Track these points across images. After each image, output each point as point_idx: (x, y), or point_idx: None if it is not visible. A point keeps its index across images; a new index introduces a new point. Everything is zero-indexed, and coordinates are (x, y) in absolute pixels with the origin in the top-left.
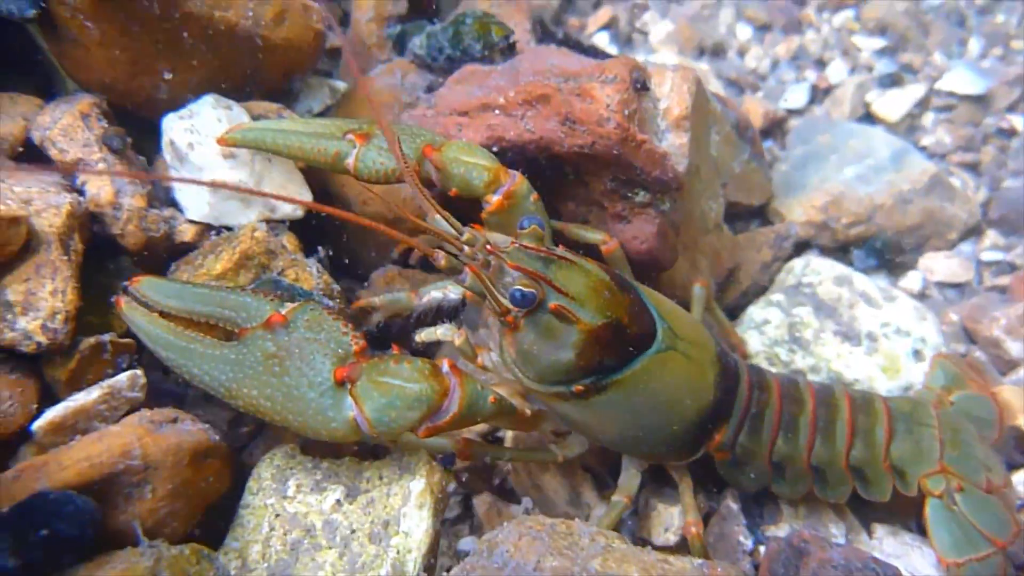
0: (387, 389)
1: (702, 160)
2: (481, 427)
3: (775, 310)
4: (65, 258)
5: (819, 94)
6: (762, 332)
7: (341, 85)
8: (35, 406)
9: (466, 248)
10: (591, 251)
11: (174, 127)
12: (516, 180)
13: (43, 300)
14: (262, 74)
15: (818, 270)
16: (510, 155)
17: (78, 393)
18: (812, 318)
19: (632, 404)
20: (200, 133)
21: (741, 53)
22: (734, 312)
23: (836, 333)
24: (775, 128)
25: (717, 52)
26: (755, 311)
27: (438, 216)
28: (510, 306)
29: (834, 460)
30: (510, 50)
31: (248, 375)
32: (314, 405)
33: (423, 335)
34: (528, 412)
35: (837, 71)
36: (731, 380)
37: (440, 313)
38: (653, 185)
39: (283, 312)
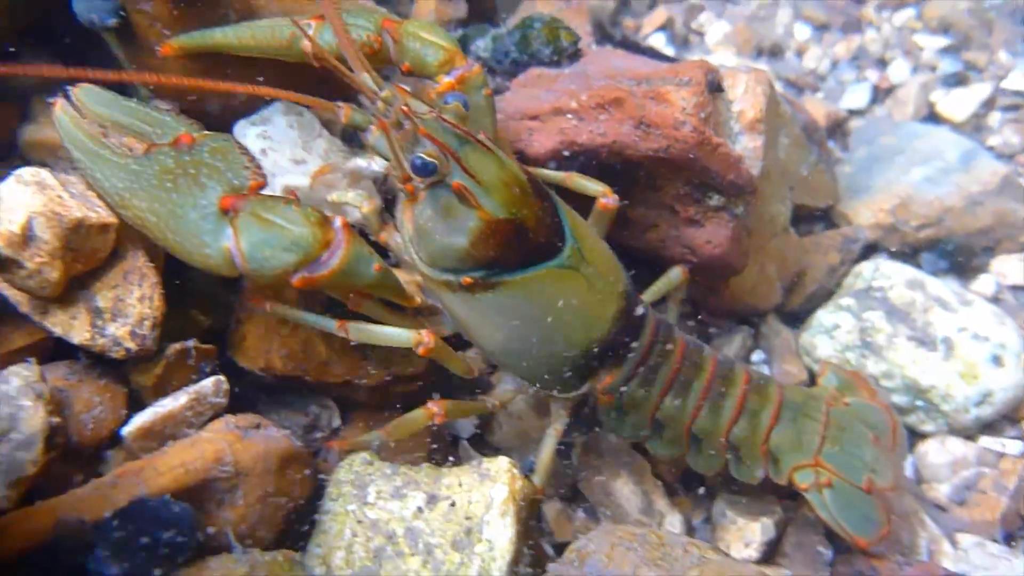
0: (268, 225)
1: (772, 163)
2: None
3: (845, 315)
4: (151, 264)
5: (881, 94)
6: (832, 337)
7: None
8: (124, 411)
9: (380, 103)
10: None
11: (246, 133)
12: (472, 68)
13: (131, 306)
14: (330, 80)
15: (888, 274)
16: (582, 158)
17: (165, 399)
18: (884, 323)
19: (519, 311)
20: (272, 139)
21: (799, 53)
22: (800, 316)
23: (910, 338)
24: (836, 129)
25: (775, 53)
26: (824, 315)
27: (364, 76)
28: (411, 173)
29: (714, 431)
30: (576, 55)
31: (142, 186)
32: (193, 227)
33: (334, 196)
34: (418, 300)
35: (899, 71)
36: (633, 323)
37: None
38: (727, 189)
39: (194, 135)
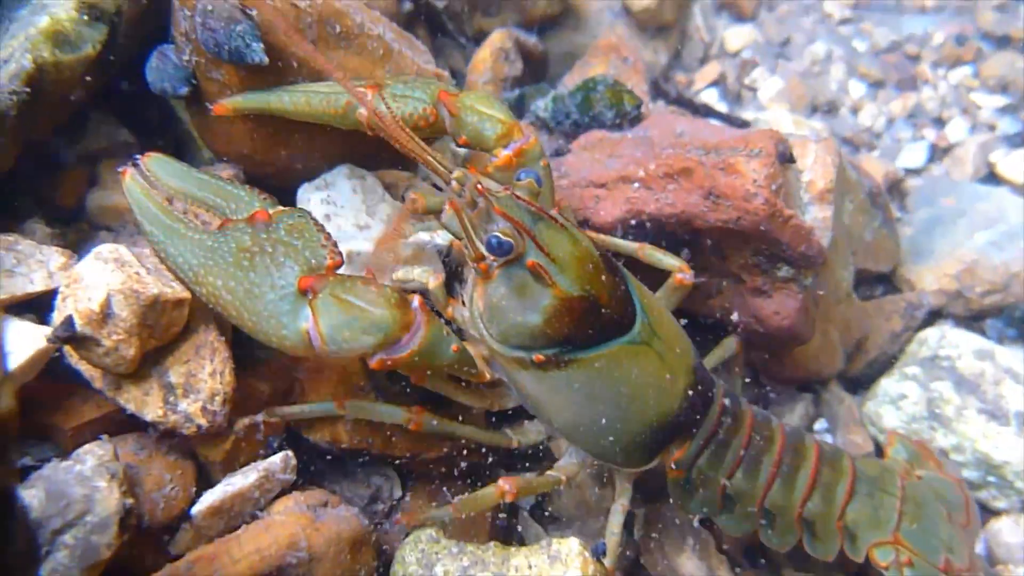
0: (348, 307)
1: (838, 230)
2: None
3: (912, 384)
4: (223, 338)
5: (938, 153)
6: (899, 407)
7: (462, 150)
8: (193, 488)
9: (454, 183)
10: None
11: (310, 198)
12: (530, 140)
13: (203, 382)
14: (391, 144)
15: (956, 343)
16: (649, 227)
17: (235, 476)
18: (953, 394)
19: (592, 389)
20: (336, 204)
21: (855, 111)
22: (862, 382)
23: (981, 411)
24: (894, 188)
25: (830, 110)
26: (890, 384)
27: (430, 157)
28: (486, 252)
29: (788, 507)
30: (638, 118)
31: (217, 263)
32: (271, 307)
33: (400, 273)
34: (488, 376)
35: (957, 130)
36: (703, 397)
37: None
38: (798, 260)
39: (270, 211)
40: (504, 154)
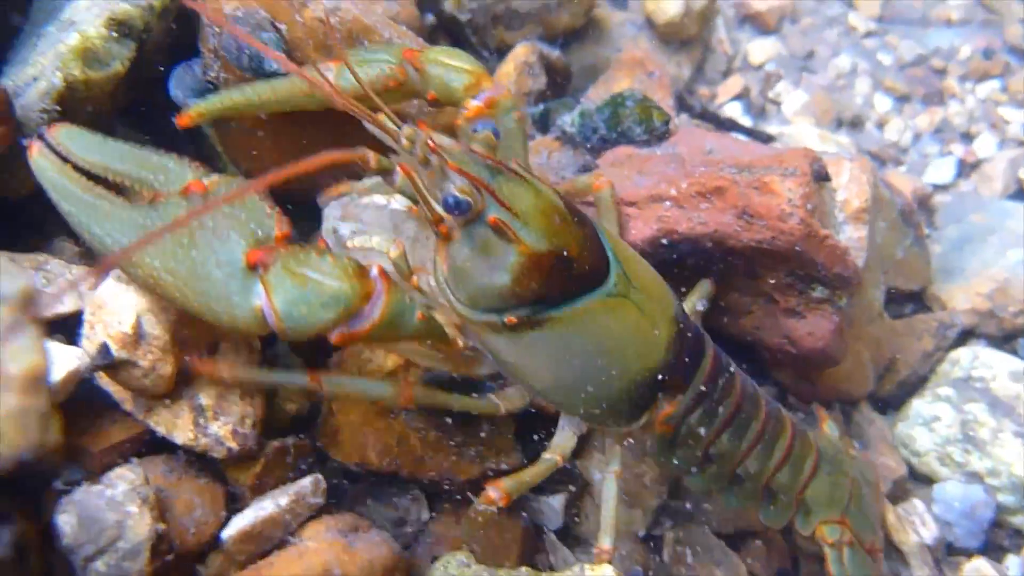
0: (302, 281)
1: (872, 250)
2: None
3: (944, 406)
4: (252, 358)
5: (966, 168)
6: (932, 429)
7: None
8: (223, 513)
9: (404, 141)
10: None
11: (337, 215)
12: (502, 91)
13: (233, 404)
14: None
15: (989, 363)
16: (682, 247)
17: (265, 500)
18: (988, 416)
19: (569, 347)
20: (363, 221)
21: (880, 125)
22: (891, 402)
23: (1017, 434)
24: (921, 205)
25: (855, 124)
26: (922, 405)
27: (378, 117)
28: (443, 213)
29: (759, 475)
30: (666, 134)
31: (153, 242)
32: (219, 287)
33: (357, 240)
34: (461, 344)
35: (985, 145)
36: (691, 348)
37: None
38: (833, 281)
39: (204, 181)
40: (474, 104)
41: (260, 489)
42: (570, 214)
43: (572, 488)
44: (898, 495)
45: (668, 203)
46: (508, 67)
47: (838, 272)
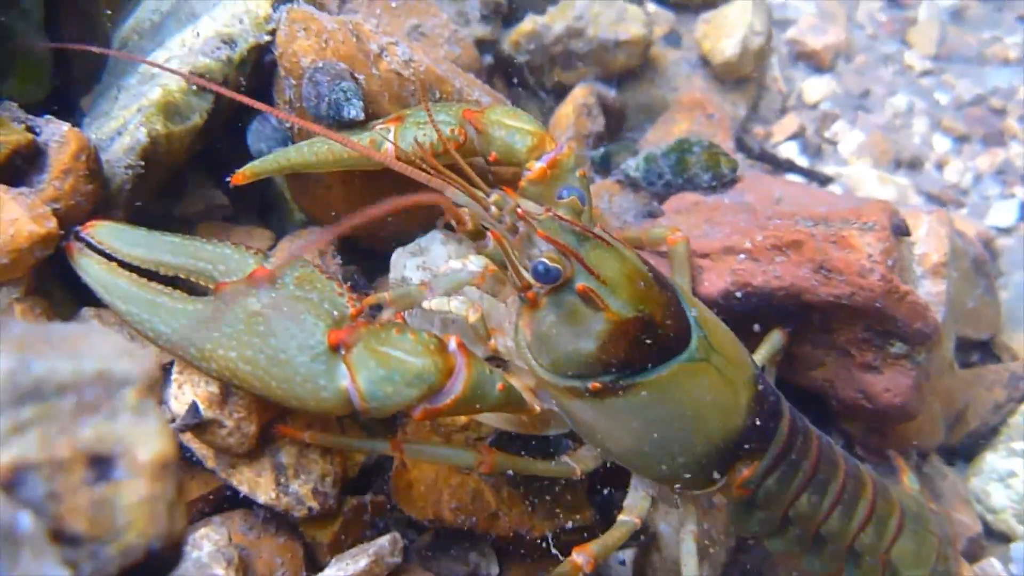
0: (386, 360)
1: (949, 303)
2: None
3: (1020, 461)
4: (331, 419)
5: None
6: (1008, 485)
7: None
8: (303, 573)
9: (493, 209)
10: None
11: (405, 263)
12: (563, 151)
13: (314, 462)
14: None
15: None
16: (755, 300)
17: (345, 560)
18: None
19: (652, 413)
20: (432, 270)
21: (940, 166)
22: (960, 453)
23: None
24: (984, 248)
25: (914, 165)
26: (996, 460)
27: (462, 183)
28: (532, 280)
29: (842, 536)
30: (733, 181)
31: (226, 335)
32: (303, 371)
33: (434, 303)
34: (537, 408)
35: None
36: (768, 412)
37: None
38: (913, 337)
39: (269, 267)
40: (538, 167)
41: (338, 547)
42: (654, 280)
43: (641, 539)
44: (974, 553)
45: (742, 255)
46: (567, 109)
47: (918, 328)
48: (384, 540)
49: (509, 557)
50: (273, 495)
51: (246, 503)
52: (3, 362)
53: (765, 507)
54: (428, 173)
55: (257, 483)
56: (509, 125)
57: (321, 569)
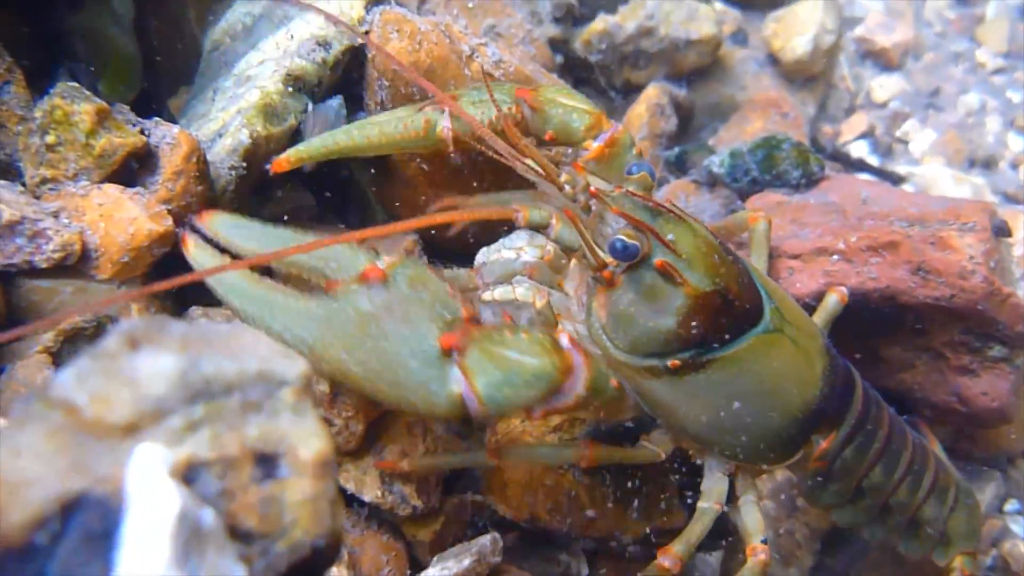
0: (503, 362)
1: None
2: None
3: None
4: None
5: None
6: None
7: None
8: (408, 571)
9: (566, 188)
10: None
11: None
12: (619, 128)
13: None
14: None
15: None
16: (849, 302)
17: (448, 560)
18: None
19: (731, 387)
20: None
21: (1015, 165)
22: None
23: None
24: None
25: (989, 164)
26: None
27: (533, 159)
28: (610, 258)
29: (908, 506)
30: (820, 180)
31: (339, 335)
32: (415, 375)
33: (497, 293)
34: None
35: None
36: (842, 381)
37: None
38: (1014, 340)
39: (381, 266)
40: (596, 146)
41: (439, 546)
42: (725, 252)
43: (732, 539)
44: None
45: (836, 256)
46: (640, 108)
47: (1020, 331)
48: (486, 539)
49: (599, 558)
50: (379, 493)
51: (347, 501)
52: (174, 362)
53: (840, 479)
54: (497, 154)
55: (363, 482)
56: (565, 104)
57: (423, 568)
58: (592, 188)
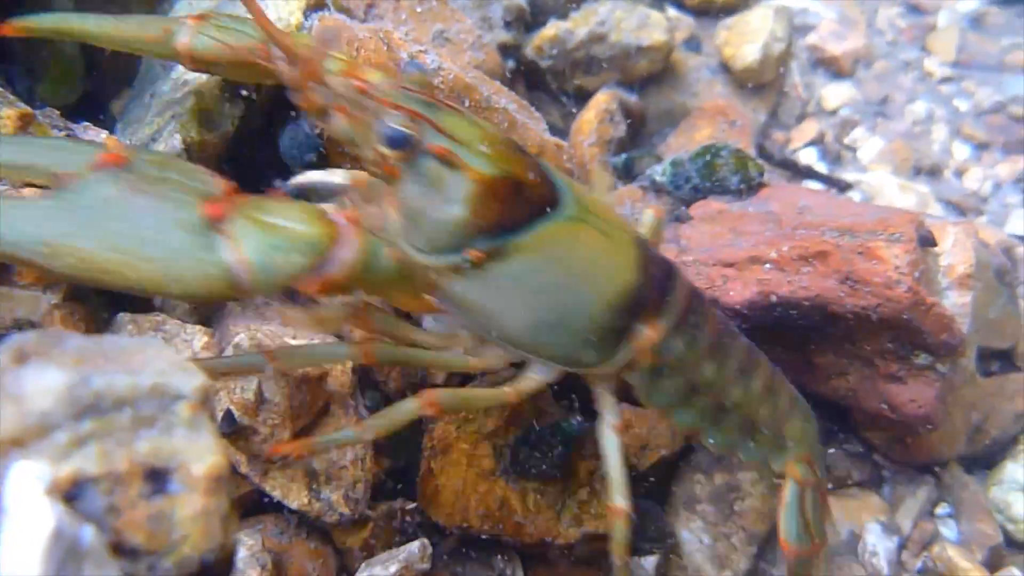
0: (270, 228)
1: (974, 314)
2: None
3: None
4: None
5: None
6: None
7: None
8: None
9: (328, 79)
10: None
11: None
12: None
13: (345, 469)
14: None
15: None
16: (779, 310)
17: (375, 567)
18: None
19: (537, 274)
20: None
21: (959, 173)
22: (979, 463)
23: None
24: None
25: (934, 172)
26: (1016, 470)
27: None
28: (383, 148)
29: (743, 405)
30: (759, 186)
31: (83, 224)
32: (180, 248)
33: (299, 178)
34: (434, 305)
35: None
36: (660, 271)
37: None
38: (938, 349)
39: (118, 151)
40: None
41: (368, 552)
42: (512, 144)
43: (668, 542)
44: (994, 563)
45: (768, 265)
46: (589, 115)
47: (944, 340)
48: (414, 546)
49: (533, 561)
50: (305, 500)
51: (276, 507)
52: (63, 377)
53: (675, 373)
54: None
55: (289, 488)
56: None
57: (352, 575)
58: (358, 84)
